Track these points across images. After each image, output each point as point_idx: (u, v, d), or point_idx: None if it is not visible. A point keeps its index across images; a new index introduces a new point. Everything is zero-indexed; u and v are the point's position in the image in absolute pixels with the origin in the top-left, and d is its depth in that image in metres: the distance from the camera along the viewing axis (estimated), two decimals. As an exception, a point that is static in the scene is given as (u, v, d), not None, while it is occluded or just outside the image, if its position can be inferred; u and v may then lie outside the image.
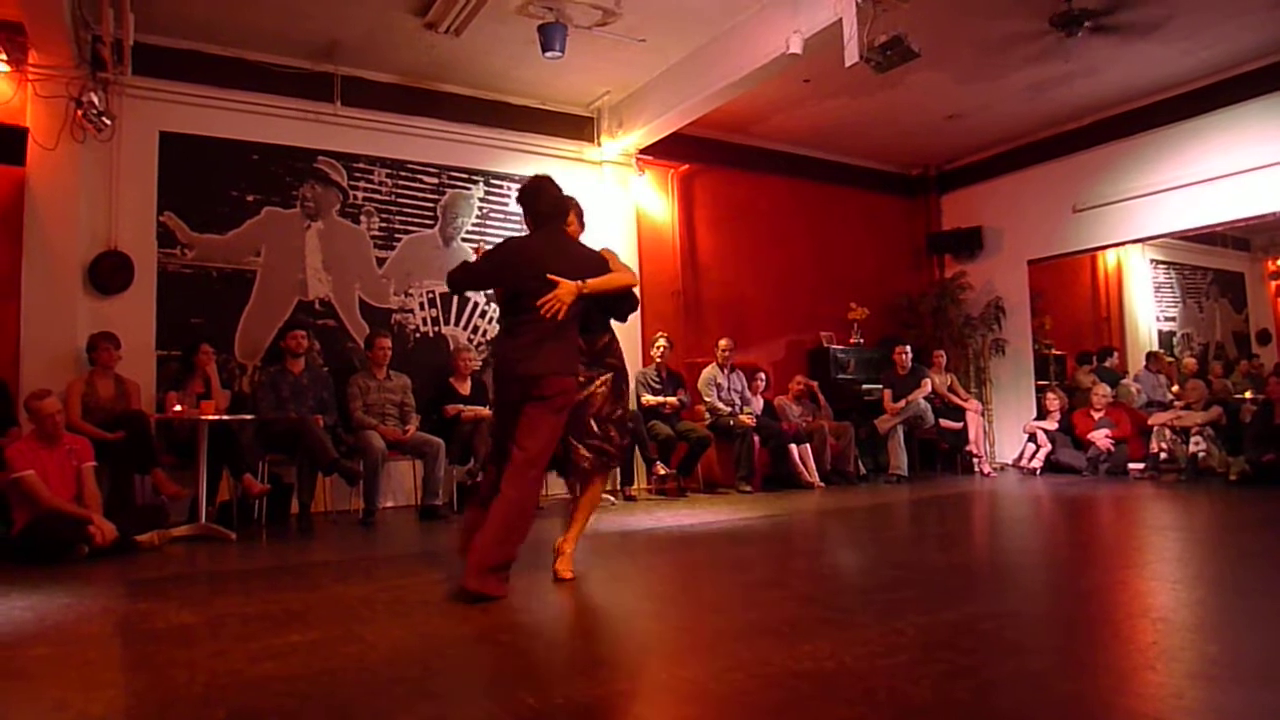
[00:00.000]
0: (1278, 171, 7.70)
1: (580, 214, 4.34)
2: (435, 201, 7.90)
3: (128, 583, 4.29)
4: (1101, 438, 8.56)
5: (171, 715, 2.28)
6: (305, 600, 3.73)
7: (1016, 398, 9.94)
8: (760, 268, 9.72)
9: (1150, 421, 8.38)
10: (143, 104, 6.68)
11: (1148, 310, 11.56)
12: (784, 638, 2.87)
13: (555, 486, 7.04)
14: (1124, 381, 9.80)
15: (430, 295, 7.77)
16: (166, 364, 6.57)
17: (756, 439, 8.12)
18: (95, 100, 6.04)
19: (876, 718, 2.13)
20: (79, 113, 6.08)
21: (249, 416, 6.08)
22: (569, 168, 8.40)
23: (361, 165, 7.57)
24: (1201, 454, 7.80)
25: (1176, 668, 2.51)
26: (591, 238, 4.48)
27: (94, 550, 4.75)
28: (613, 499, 7.35)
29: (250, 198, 7.11)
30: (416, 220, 7.79)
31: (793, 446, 8.24)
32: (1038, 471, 8.85)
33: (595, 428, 4.05)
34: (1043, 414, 9.30)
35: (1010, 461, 9.48)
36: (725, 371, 8.46)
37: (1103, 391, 8.87)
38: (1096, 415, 8.76)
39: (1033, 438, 9.06)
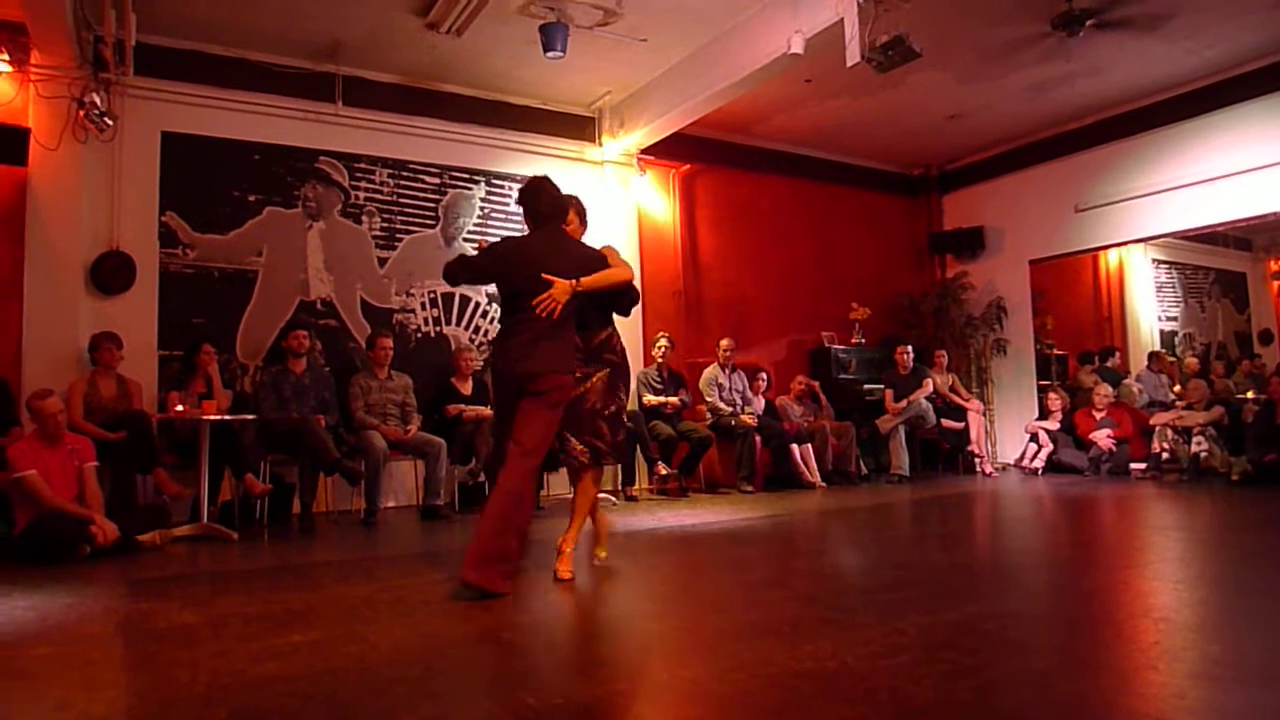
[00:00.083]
0: (1279, 171, 7.68)
1: (582, 213, 4.35)
2: (437, 202, 7.90)
3: (129, 583, 4.30)
4: (1103, 438, 8.56)
5: (173, 715, 2.28)
6: (307, 600, 3.74)
7: (1018, 398, 9.94)
8: (762, 268, 9.71)
9: (1152, 421, 8.38)
10: (144, 104, 6.69)
11: (1149, 310, 11.56)
12: (785, 638, 2.86)
13: (557, 486, 7.07)
14: (1126, 381, 9.80)
15: (432, 295, 7.78)
16: (168, 364, 6.57)
17: (758, 439, 8.11)
18: (97, 100, 6.05)
19: (878, 718, 2.13)
20: (81, 113, 6.09)
21: (251, 416, 6.07)
22: (570, 168, 8.40)
23: (363, 165, 7.58)
24: (1203, 454, 7.80)
25: (1179, 668, 2.51)
26: (593, 237, 4.49)
27: (96, 550, 4.75)
28: (614, 499, 7.36)
29: (252, 198, 7.12)
30: (418, 220, 7.79)
31: (794, 446, 8.23)
32: (1039, 471, 8.84)
33: (589, 423, 4.07)
34: (1044, 414, 9.30)
35: (1012, 461, 9.47)
36: (727, 371, 8.46)
37: (1104, 391, 8.87)
38: (1098, 415, 8.76)
39: (1034, 438, 9.06)
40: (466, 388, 7.23)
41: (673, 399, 7.94)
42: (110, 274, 6.46)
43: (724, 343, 8.47)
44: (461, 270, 4.24)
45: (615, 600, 3.84)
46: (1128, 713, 2.18)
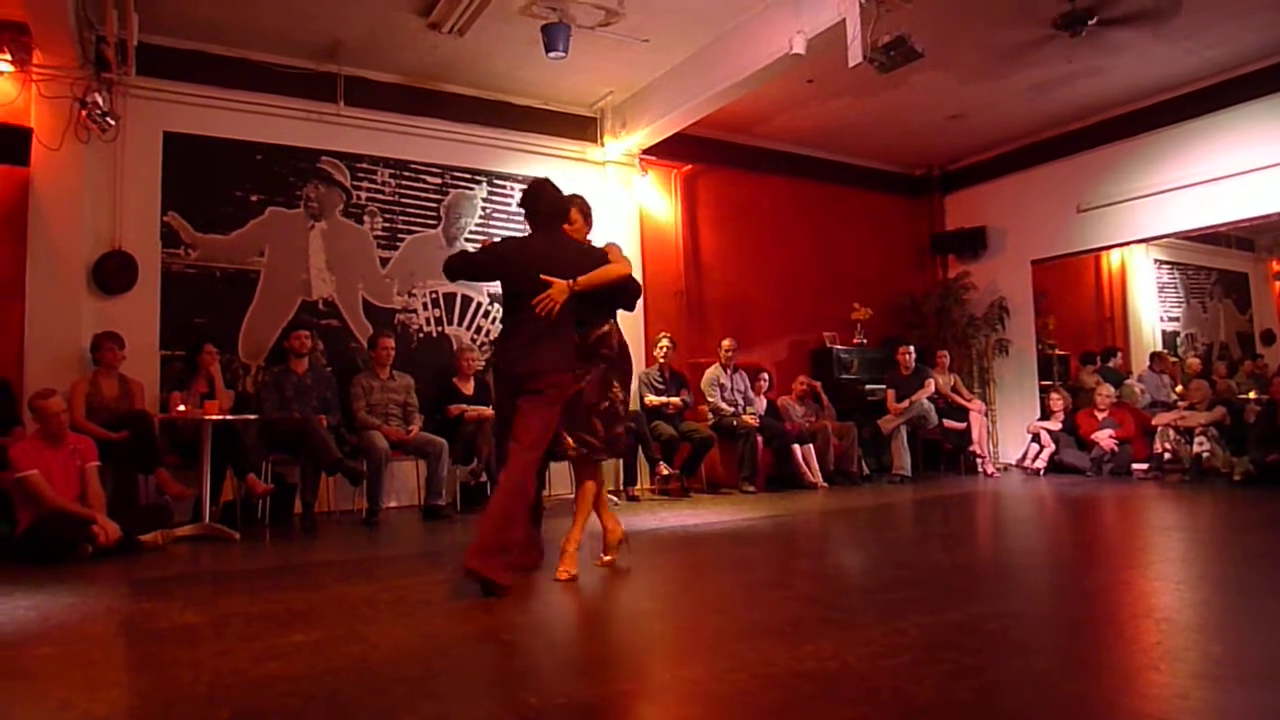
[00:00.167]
0: (1281, 171, 7.69)
1: (587, 212, 4.38)
2: (438, 202, 7.90)
3: (131, 582, 4.30)
4: (1105, 438, 8.55)
5: (175, 715, 2.29)
6: (309, 600, 3.74)
7: (1020, 398, 9.93)
8: (763, 268, 9.71)
9: (1154, 422, 8.37)
10: (147, 104, 6.69)
11: (1151, 310, 11.56)
12: (787, 638, 2.86)
13: (558, 486, 7.06)
14: (1128, 382, 9.79)
15: (434, 295, 7.78)
16: (170, 364, 6.57)
17: (760, 439, 8.11)
18: (99, 100, 6.05)
19: (880, 718, 2.13)
20: (83, 113, 6.09)
21: (253, 416, 6.07)
22: (572, 168, 8.41)
23: (365, 165, 7.58)
24: (1205, 454, 7.79)
25: (1181, 668, 2.51)
26: (594, 237, 4.50)
27: (98, 550, 4.75)
28: (616, 499, 7.35)
29: (254, 198, 7.12)
30: (420, 220, 7.80)
31: (796, 447, 8.23)
32: (1041, 472, 8.83)
33: (581, 419, 4.10)
34: (1046, 414, 9.29)
35: (1014, 462, 9.46)
36: (728, 372, 8.46)
37: (1106, 392, 8.86)
38: (1100, 415, 8.75)
39: (1036, 438, 9.05)
40: (468, 388, 7.23)
41: (674, 399, 7.94)
42: (112, 274, 6.46)
43: (726, 343, 8.47)
44: (462, 266, 4.33)
45: (617, 600, 3.84)
46: (1130, 713, 2.18)
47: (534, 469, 3.97)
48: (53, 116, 6.21)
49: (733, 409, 8.24)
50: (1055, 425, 9.01)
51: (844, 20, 5.82)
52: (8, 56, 6.18)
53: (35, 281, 6.19)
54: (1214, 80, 8.09)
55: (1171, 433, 8.11)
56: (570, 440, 4.10)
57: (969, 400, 9.24)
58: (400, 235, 7.69)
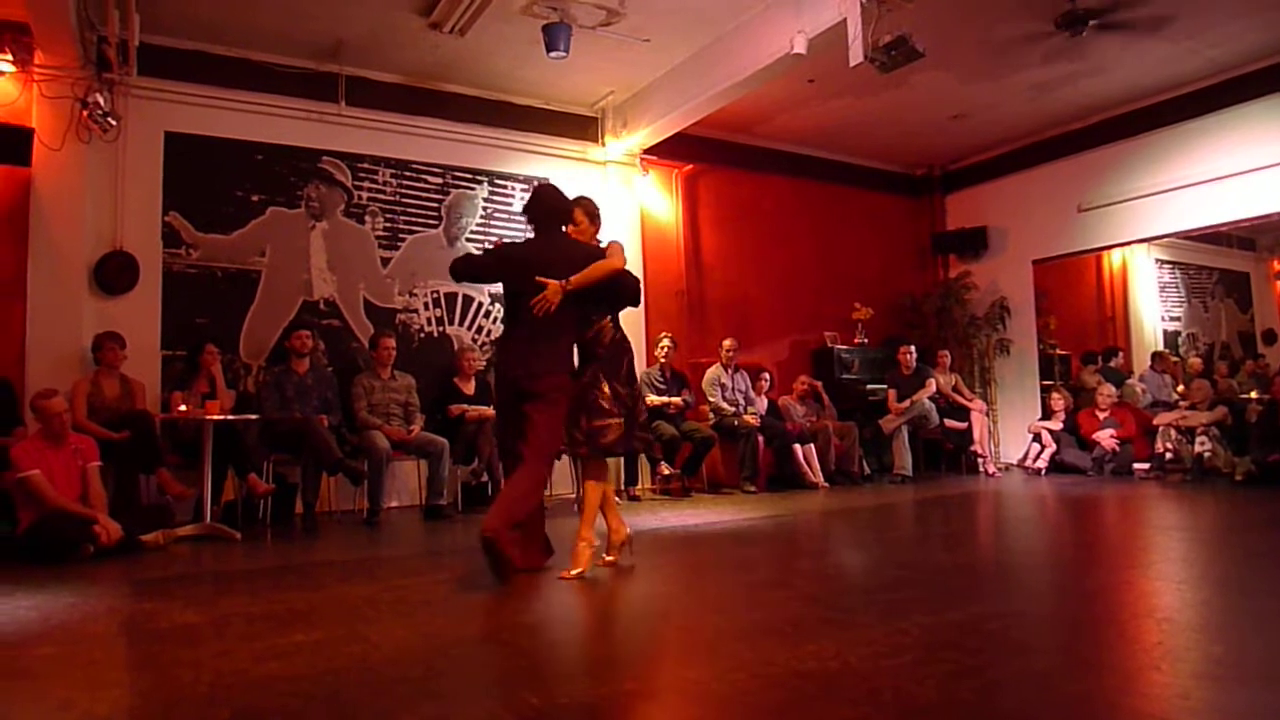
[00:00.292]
0: (1283, 171, 7.68)
1: (592, 213, 4.41)
2: (439, 201, 7.90)
3: (133, 582, 4.31)
4: (1106, 438, 8.54)
5: (176, 715, 2.29)
6: (309, 600, 3.74)
7: (1021, 398, 9.92)
8: (764, 268, 9.71)
9: (1155, 421, 8.37)
10: (148, 104, 6.70)
11: (1153, 310, 11.54)
12: (788, 638, 2.86)
13: (559, 486, 7.07)
14: (1129, 381, 9.78)
15: (435, 295, 7.78)
16: (172, 364, 6.57)
17: (761, 439, 8.11)
18: (100, 101, 6.05)
19: (881, 718, 2.13)
20: (84, 113, 6.09)
21: (254, 416, 6.07)
22: (573, 168, 8.41)
23: (366, 165, 7.58)
24: (1207, 454, 7.78)
25: (1182, 668, 2.50)
26: (599, 237, 4.50)
27: (99, 550, 4.75)
28: (617, 499, 7.34)
29: (255, 198, 7.12)
30: (421, 220, 7.80)
31: (797, 447, 8.23)
32: (1042, 471, 8.83)
33: (571, 414, 4.15)
34: (1047, 414, 9.28)
35: (1015, 461, 9.46)
36: (729, 371, 8.46)
37: (1108, 391, 8.85)
38: (1101, 415, 8.74)
39: (1037, 438, 9.04)
40: (469, 387, 7.23)
41: (675, 399, 7.94)
42: (113, 274, 6.47)
43: (727, 343, 8.47)
44: (466, 268, 4.54)
45: (618, 600, 3.84)
46: (1131, 713, 2.18)
47: (550, 468, 4.14)
48: (54, 117, 6.21)
49: (734, 409, 8.23)
50: (1056, 425, 9.01)
51: (845, 20, 5.82)
52: (9, 57, 6.18)
53: (37, 281, 6.20)
54: (1216, 80, 8.08)
55: (1173, 432, 8.11)
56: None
57: (970, 400, 9.23)
58: (401, 235, 7.69)
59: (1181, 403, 8.77)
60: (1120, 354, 10.53)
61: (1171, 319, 11.64)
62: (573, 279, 3.99)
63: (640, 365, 7.69)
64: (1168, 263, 11.68)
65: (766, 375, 8.85)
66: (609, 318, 4.25)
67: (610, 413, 4.10)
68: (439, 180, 7.90)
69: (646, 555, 4.62)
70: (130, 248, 6.55)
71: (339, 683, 2.51)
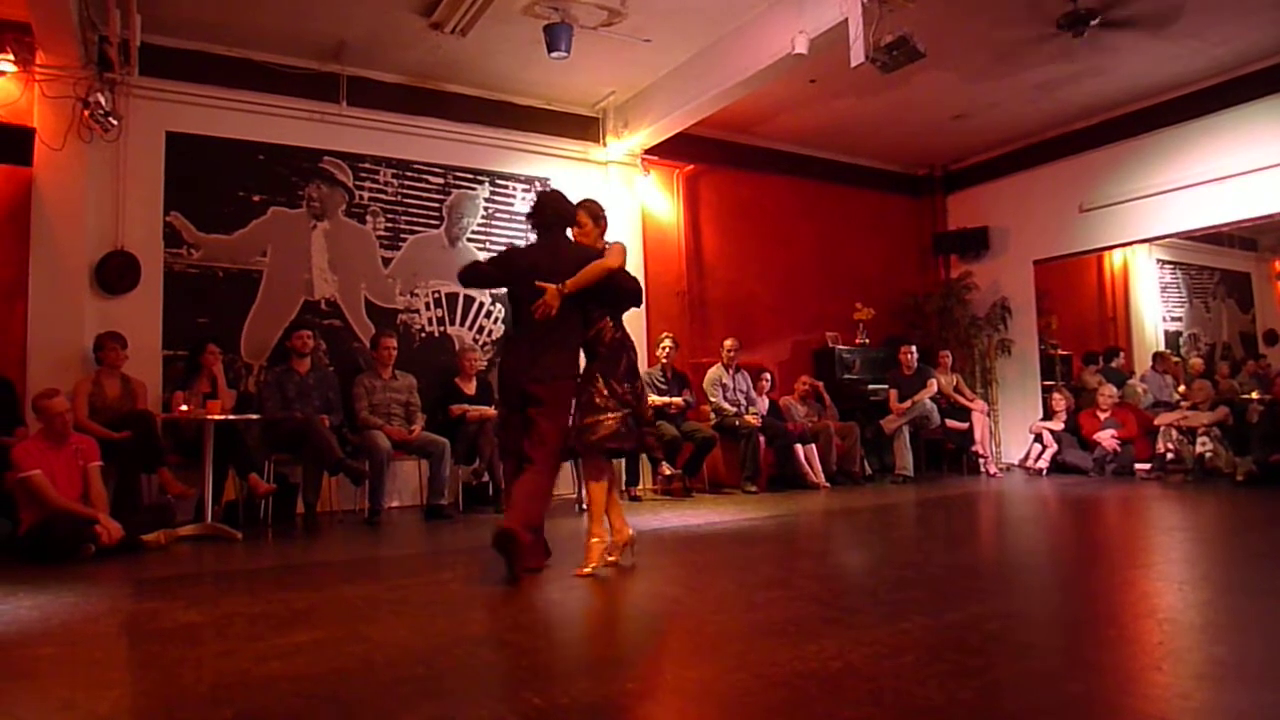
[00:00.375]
0: (1285, 171, 7.67)
1: (596, 214, 4.44)
2: (441, 202, 7.90)
3: (134, 582, 4.31)
4: (1108, 438, 8.54)
5: (178, 715, 2.29)
6: (311, 600, 3.74)
7: (1022, 398, 9.92)
8: (765, 268, 9.71)
9: (1157, 422, 8.36)
10: (149, 104, 6.70)
11: (1154, 310, 11.54)
12: (790, 638, 2.86)
13: (560, 487, 7.05)
14: (1130, 382, 9.78)
15: (436, 295, 7.78)
16: (173, 364, 6.57)
17: (762, 439, 8.10)
18: (102, 100, 6.05)
19: (883, 718, 2.13)
20: (86, 113, 6.09)
21: (255, 416, 6.07)
22: (574, 168, 8.42)
23: (367, 165, 7.58)
24: (1208, 454, 7.77)
25: (1183, 668, 2.51)
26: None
27: (100, 550, 4.75)
28: (618, 499, 7.34)
29: (256, 198, 7.12)
30: (422, 220, 7.80)
31: (798, 447, 8.23)
32: (1044, 472, 8.82)
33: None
34: (1049, 414, 9.28)
35: (1016, 462, 9.46)
36: (730, 372, 8.46)
37: (1109, 392, 8.85)
38: (1103, 415, 8.74)
39: (1039, 438, 9.04)
40: (470, 388, 7.24)
41: (677, 399, 7.93)
42: (115, 274, 6.47)
43: (728, 343, 8.47)
44: (473, 277, 4.65)
45: (620, 600, 3.85)
46: (1132, 713, 2.18)
47: (555, 470, 4.19)
48: (55, 117, 6.21)
49: (735, 409, 8.23)
50: (1058, 425, 9.00)
51: (846, 20, 5.82)
52: (11, 57, 6.19)
53: (38, 281, 6.20)
54: (1217, 80, 8.08)
55: (1174, 433, 8.10)
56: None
57: (971, 400, 9.23)
58: (403, 235, 7.69)
59: (1183, 403, 8.77)
60: (1121, 354, 10.53)
61: (1173, 319, 11.64)
62: (568, 282, 4.04)
63: (642, 365, 7.69)
64: (1169, 263, 11.68)
65: (768, 375, 8.84)
66: (609, 318, 4.26)
67: (603, 409, 4.10)
68: (440, 180, 7.90)
69: (648, 555, 4.62)
70: (132, 247, 6.55)
71: (341, 682, 2.51)
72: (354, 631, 3.11)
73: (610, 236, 4.49)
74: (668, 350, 8.05)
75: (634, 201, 8.71)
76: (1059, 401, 9.14)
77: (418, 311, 7.69)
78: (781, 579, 4.10)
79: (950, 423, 8.99)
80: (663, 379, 8.04)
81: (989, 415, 9.44)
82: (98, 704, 2.36)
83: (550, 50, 6.57)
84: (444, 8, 6.47)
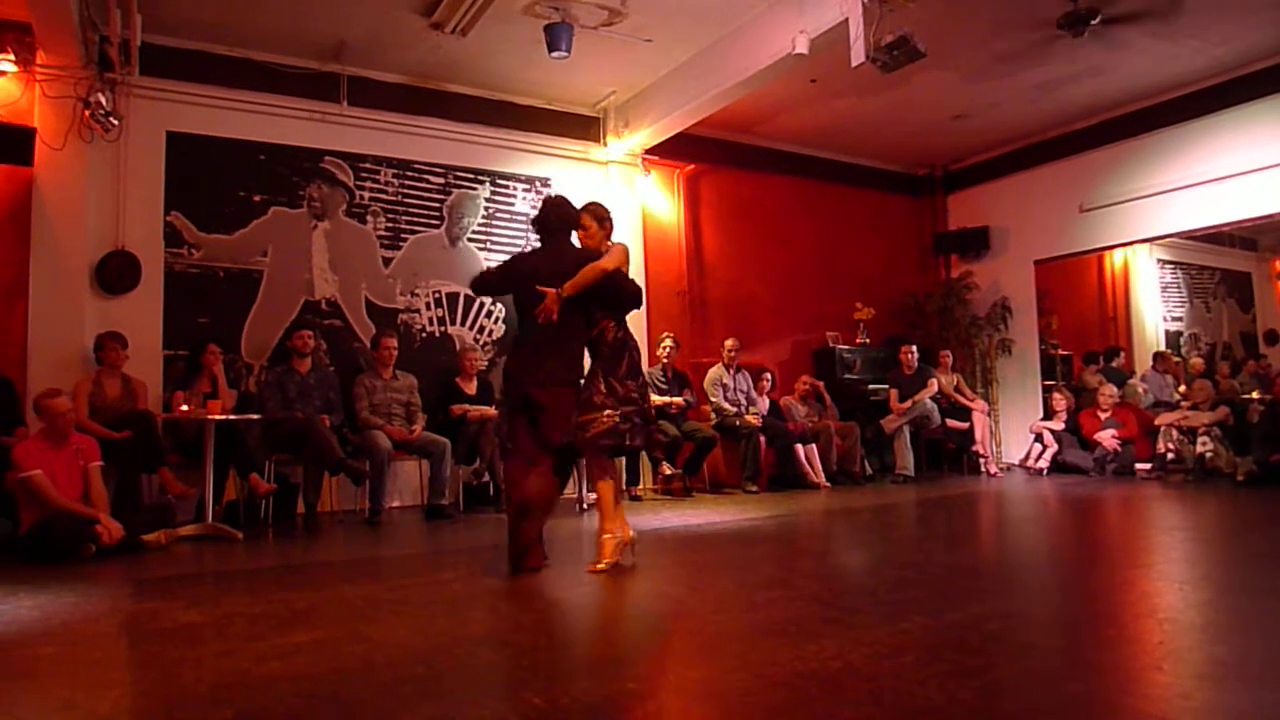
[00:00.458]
0: (1285, 171, 7.67)
1: (601, 217, 4.46)
2: (441, 201, 7.90)
3: (134, 582, 4.31)
4: (1108, 438, 8.53)
5: (178, 715, 2.29)
6: (311, 600, 3.74)
7: (1023, 398, 9.91)
8: (766, 268, 9.71)
9: (1157, 422, 8.36)
10: (150, 104, 6.70)
11: (1154, 310, 11.54)
12: (790, 638, 2.86)
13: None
14: (1131, 381, 9.77)
15: (436, 295, 7.78)
16: (173, 364, 6.57)
17: (762, 439, 8.11)
18: (103, 100, 6.05)
19: (883, 718, 2.13)
20: (86, 113, 6.09)
21: (255, 416, 6.08)
22: (575, 168, 8.42)
23: (368, 165, 7.58)
24: (1209, 454, 7.77)
25: (1183, 668, 2.50)
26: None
27: (101, 550, 4.75)
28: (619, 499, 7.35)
29: (257, 198, 7.13)
30: (423, 220, 7.80)
31: (798, 446, 8.23)
32: (1044, 472, 8.82)
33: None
34: (1049, 414, 9.27)
35: (1017, 462, 9.46)
36: (731, 371, 8.46)
37: (1109, 391, 8.85)
38: (1103, 415, 8.74)
39: (1039, 438, 9.04)
40: (471, 388, 7.23)
41: (677, 399, 7.93)
42: (115, 274, 6.47)
43: (728, 343, 8.47)
44: (482, 285, 4.81)
45: (620, 600, 3.84)
46: (1133, 713, 2.18)
47: (562, 472, 4.30)
48: (56, 116, 6.21)
49: (735, 409, 8.23)
50: (1058, 425, 9.00)
51: (847, 20, 5.82)
52: (11, 56, 6.19)
53: (39, 281, 6.20)
54: (1218, 79, 8.07)
55: (1174, 433, 8.10)
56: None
57: (972, 400, 9.23)
58: (403, 235, 7.69)
59: (1183, 403, 8.76)
60: (1122, 354, 10.53)
61: (1173, 319, 11.64)
62: (566, 286, 4.08)
63: (643, 365, 7.69)
64: (1169, 263, 11.67)
65: (768, 375, 8.84)
66: (611, 319, 4.27)
67: (600, 407, 4.11)
68: (441, 180, 7.91)
69: (648, 555, 4.62)
70: (132, 247, 6.55)
71: (341, 682, 2.51)
72: (354, 631, 3.11)
73: (614, 237, 4.50)
74: (668, 350, 8.05)
75: (634, 201, 8.71)
76: (1059, 401, 9.14)
77: (418, 311, 7.69)
78: (782, 579, 4.10)
79: (951, 423, 8.99)
80: (663, 379, 8.04)
81: (989, 415, 9.44)
82: (98, 704, 2.36)
83: (551, 50, 6.57)
84: (444, 8, 6.47)
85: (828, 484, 8.17)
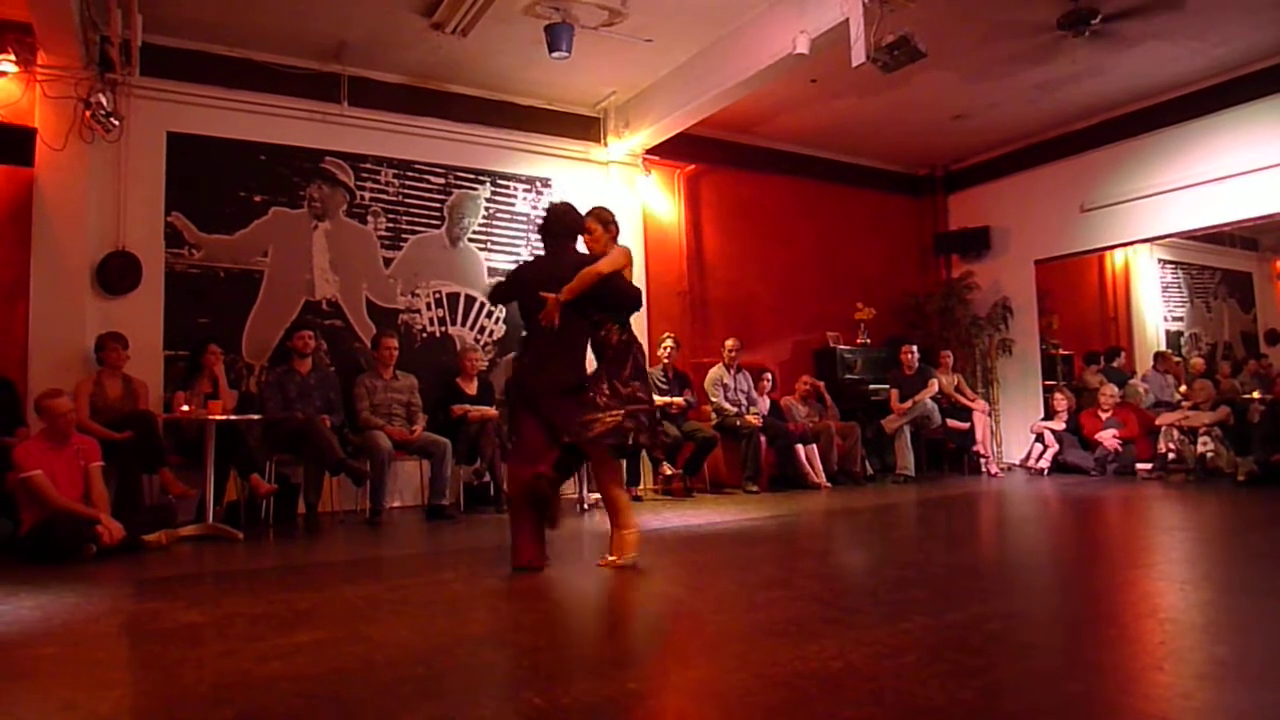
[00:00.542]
0: (1286, 171, 7.66)
1: (606, 221, 4.46)
2: (442, 202, 7.90)
3: (135, 582, 4.31)
4: (1109, 438, 8.53)
5: (179, 715, 2.29)
6: (312, 600, 3.74)
7: (1024, 398, 9.91)
8: (766, 268, 9.70)
9: (1158, 422, 8.36)
10: (150, 104, 6.71)
11: (1155, 310, 11.53)
12: (791, 638, 2.86)
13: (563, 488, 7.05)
14: (1132, 381, 9.77)
15: (437, 295, 7.78)
16: (174, 364, 6.58)
17: (763, 439, 8.11)
18: (103, 101, 6.05)
19: (883, 718, 2.13)
20: (87, 113, 6.10)
21: (256, 416, 6.08)
22: (575, 168, 8.42)
23: (368, 165, 7.58)
24: (1209, 454, 7.77)
25: (1184, 668, 2.50)
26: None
27: (102, 550, 4.76)
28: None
29: (257, 198, 7.13)
30: (423, 220, 7.80)
31: (799, 447, 8.23)
32: (1045, 472, 8.82)
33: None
34: (1050, 414, 9.27)
35: (1017, 462, 9.45)
36: (732, 372, 8.46)
37: (1110, 391, 8.85)
38: (1104, 415, 8.73)
39: (1040, 438, 9.04)
40: (471, 388, 7.23)
41: (678, 399, 7.93)
42: (116, 274, 6.47)
43: (729, 343, 8.47)
44: (495, 296, 5.07)
45: (621, 600, 3.85)
46: (1133, 713, 2.18)
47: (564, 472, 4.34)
48: (57, 117, 6.22)
49: (736, 409, 8.23)
50: (1059, 425, 9.00)
51: (847, 20, 5.82)
52: (12, 57, 6.19)
53: (39, 282, 6.21)
54: (1218, 79, 8.07)
55: (1175, 433, 8.10)
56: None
57: (972, 400, 9.23)
58: (404, 235, 7.69)
59: (1184, 403, 8.76)
60: (1123, 354, 10.53)
61: (1174, 319, 11.63)
62: (564, 289, 4.10)
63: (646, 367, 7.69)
64: (1170, 263, 11.67)
65: (769, 375, 8.85)
66: (613, 321, 4.27)
67: (603, 408, 4.12)
68: (441, 180, 7.91)
69: (649, 555, 4.61)
70: (133, 248, 6.55)
71: (342, 682, 2.51)
72: (355, 631, 3.11)
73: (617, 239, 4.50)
74: (669, 350, 8.05)
75: (635, 201, 8.70)
76: (1060, 401, 9.13)
77: (419, 312, 7.69)
78: (782, 579, 4.10)
79: (951, 422, 8.99)
80: (664, 379, 8.03)
81: (990, 415, 9.44)
82: (99, 704, 2.36)
83: (551, 50, 6.57)
84: (445, 8, 6.47)
85: (828, 484, 8.18)
